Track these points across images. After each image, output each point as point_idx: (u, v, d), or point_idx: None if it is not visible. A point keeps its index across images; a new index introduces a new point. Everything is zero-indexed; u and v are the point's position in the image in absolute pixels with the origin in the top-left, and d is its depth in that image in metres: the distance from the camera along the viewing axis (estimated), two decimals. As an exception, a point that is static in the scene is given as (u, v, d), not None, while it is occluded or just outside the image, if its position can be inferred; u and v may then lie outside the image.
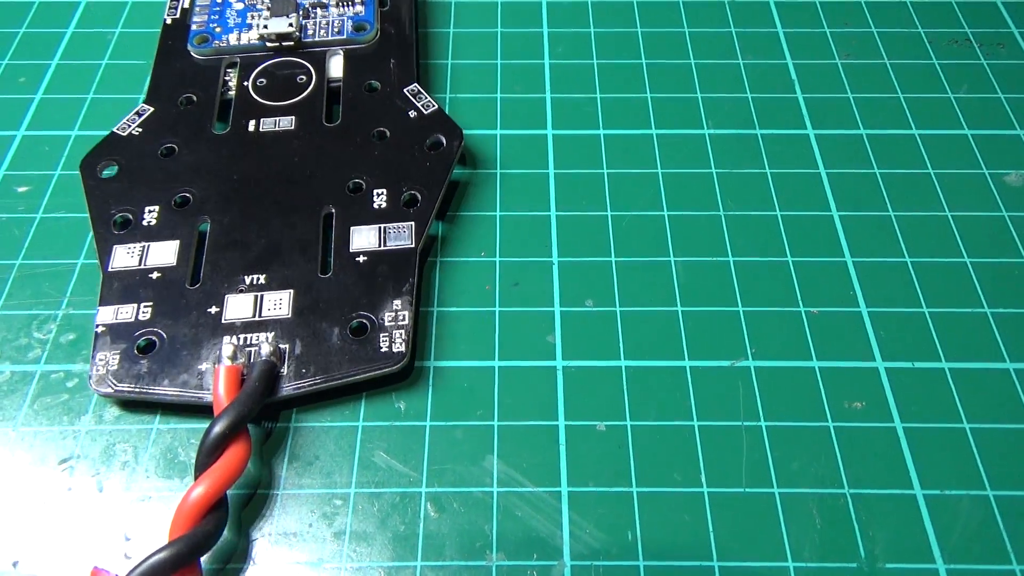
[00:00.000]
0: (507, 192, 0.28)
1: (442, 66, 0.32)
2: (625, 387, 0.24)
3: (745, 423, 0.23)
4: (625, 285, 0.26)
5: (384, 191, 0.26)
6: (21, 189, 0.28)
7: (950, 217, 0.28)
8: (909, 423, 0.23)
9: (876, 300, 0.26)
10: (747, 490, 0.22)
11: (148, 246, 0.25)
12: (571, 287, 0.26)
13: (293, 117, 0.29)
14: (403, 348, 0.23)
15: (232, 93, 0.29)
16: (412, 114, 0.29)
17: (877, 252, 0.27)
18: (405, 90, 0.29)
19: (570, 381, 0.24)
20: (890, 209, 0.28)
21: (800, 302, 0.26)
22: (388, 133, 0.28)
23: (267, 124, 0.28)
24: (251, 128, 0.28)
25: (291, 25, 0.30)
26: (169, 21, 0.32)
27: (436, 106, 0.29)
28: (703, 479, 0.22)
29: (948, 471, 0.22)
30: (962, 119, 0.31)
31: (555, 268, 0.26)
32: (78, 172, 0.27)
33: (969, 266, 0.26)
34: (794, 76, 0.32)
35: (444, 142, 0.28)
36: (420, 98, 0.29)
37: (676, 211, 0.28)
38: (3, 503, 0.22)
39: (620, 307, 0.25)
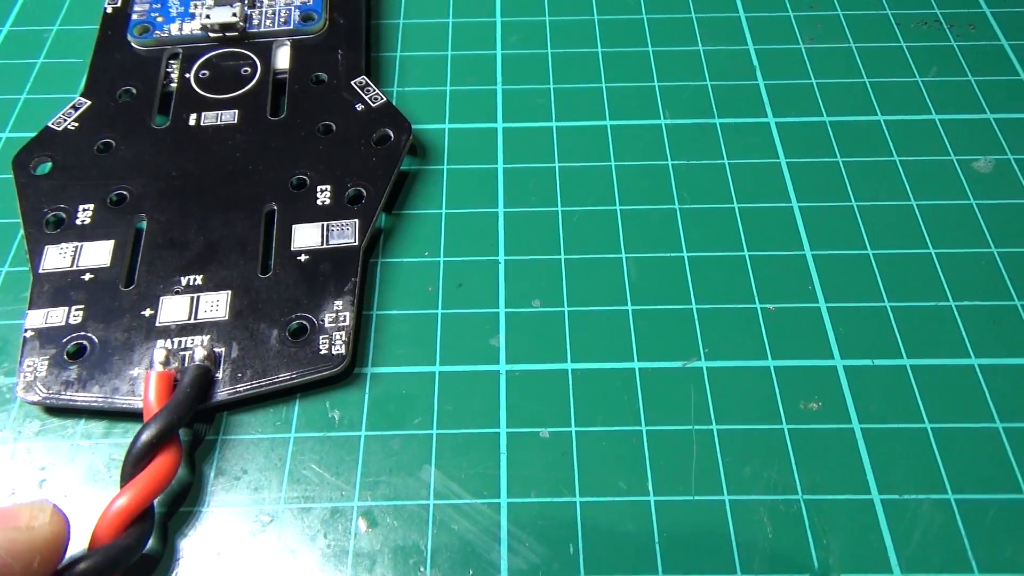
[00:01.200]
0: (454, 188, 0.27)
1: (390, 58, 0.31)
2: (571, 391, 0.23)
3: (696, 427, 0.22)
4: (574, 284, 0.25)
5: (328, 187, 0.26)
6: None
7: (915, 206, 0.27)
8: (867, 424, 0.22)
9: (836, 295, 0.24)
10: (696, 498, 0.21)
11: (81, 246, 0.24)
12: (517, 287, 0.25)
13: (236, 111, 0.28)
14: (343, 350, 0.22)
15: (174, 86, 0.28)
16: (359, 107, 0.27)
17: (838, 244, 0.26)
18: (353, 83, 0.28)
19: (513, 386, 0.23)
20: (852, 199, 0.27)
21: (756, 298, 0.24)
22: (334, 127, 0.27)
23: (209, 118, 0.27)
24: (192, 122, 0.27)
25: (235, 15, 0.29)
26: (110, 10, 0.31)
27: (384, 99, 0.28)
28: (650, 487, 0.21)
29: (907, 474, 0.21)
30: (930, 104, 0.29)
31: (501, 267, 0.25)
32: (9, 172, 0.26)
33: (934, 257, 0.25)
34: (755, 62, 0.31)
35: (392, 136, 0.27)
36: (368, 91, 0.28)
37: (629, 205, 0.27)
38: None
39: (568, 307, 0.24)
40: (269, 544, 0.20)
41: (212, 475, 0.21)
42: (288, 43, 0.29)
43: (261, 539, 0.20)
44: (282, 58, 0.29)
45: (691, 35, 0.32)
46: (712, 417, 0.22)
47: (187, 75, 0.28)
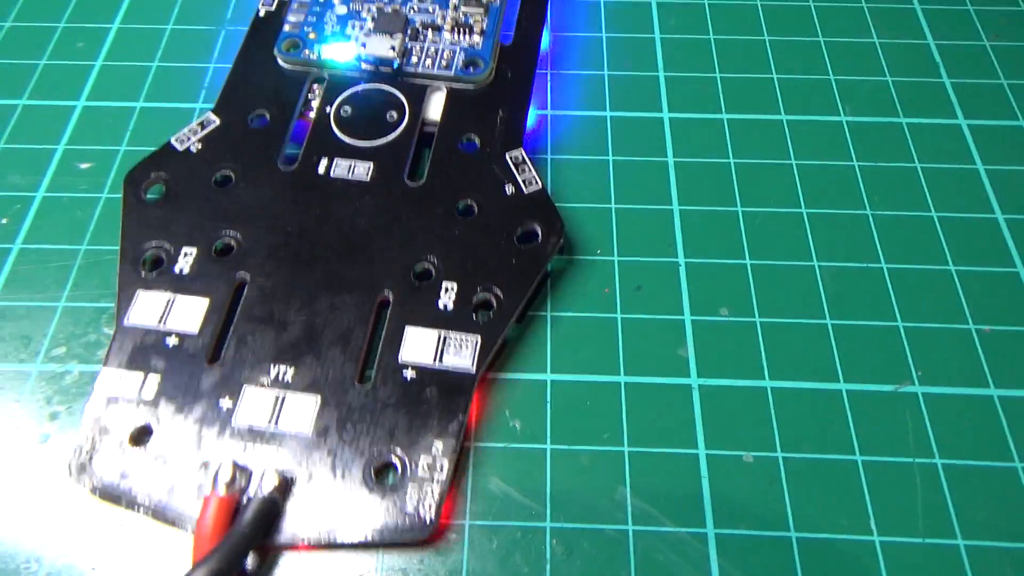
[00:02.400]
0: (622, 181, 0.25)
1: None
2: (773, 411, 0.21)
3: (917, 460, 0.20)
4: (763, 292, 0.23)
5: (455, 285, 0.21)
6: (84, 165, 0.25)
7: None
8: (1110, 466, 0.20)
9: (1058, 318, 0.22)
10: (926, 541, 0.19)
11: (174, 300, 0.21)
12: (701, 293, 0.23)
13: (371, 164, 0.24)
14: (431, 514, 0.18)
15: (312, 115, 0.25)
16: (509, 189, 0.23)
17: (1053, 262, 0.23)
18: (508, 155, 0.24)
19: (708, 402, 0.21)
20: (1063, 212, 0.24)
21: (969, 318, 0.22)
22: (476, 209, 0.23)
23: (340, 168, 0.24)
24: (321, 169, 0.24)
25: (393, 49, 0.25)
26: (263, 13, 0.27)
27: (539, 185, 0.23)
28: (872, 525, 0.19)
29: None
30: None
31: (682, 270, 0.23)
32: (139, 149, 0.24)
33: None
34: (938, 58, 0.28)
35: (539, 235, 0.22)
36: (523, 170, 0.24)
37: (815, 208, 0.24)
38: (68, 524, 0.19)
39: (759, 317, 0.22)
40: (457, 564, 0.18)
41: (386, 485, 0.19)
42: (444, 89, 0.25)
43: (450, 558, 0.18)
44: (435, 106, 0.25)
45: (864, 26, 0.29)
46: (934, 449, 0.20)
47: (328, 108, 0.25)
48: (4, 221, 0.24)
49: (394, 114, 0.25)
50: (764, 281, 0.23)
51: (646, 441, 0.20)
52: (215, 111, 0.25)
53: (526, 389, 0.21)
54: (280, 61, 0.26)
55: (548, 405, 0.21)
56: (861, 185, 0.25)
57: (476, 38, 0.26)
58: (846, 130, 0.26)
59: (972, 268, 0.23)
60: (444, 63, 0.26)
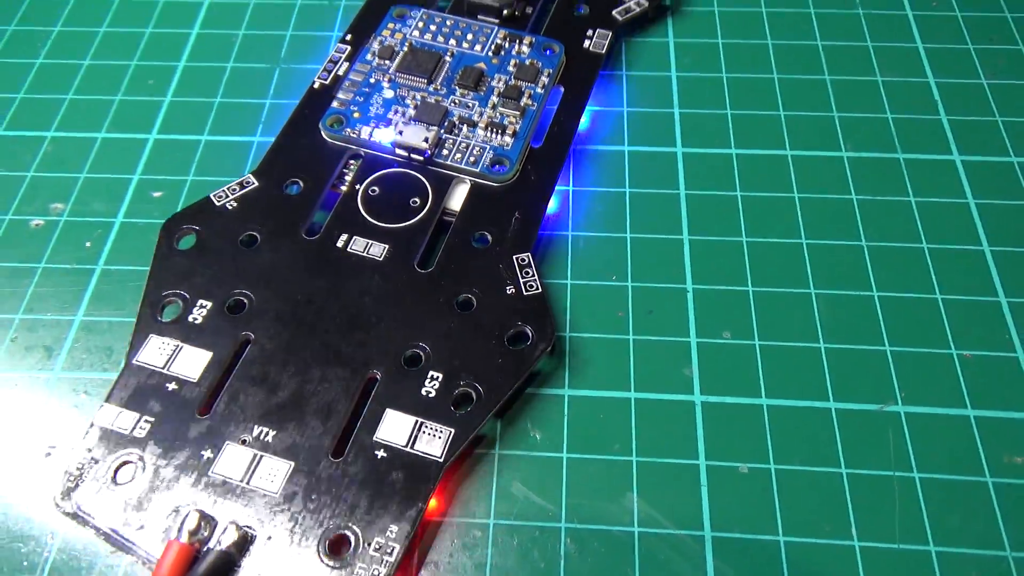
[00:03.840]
0: (638, 212, 0.27)
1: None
2: (767, 427, 0.23)
3: (897, 473, 0.22)
4: (764, 317, 0.25)
5: (440, 376, 0.23)
6: (156, 194, 0.28)
7: (1112, 257, 0.26)
8: (1075, 482, 0.22)
9: (1035, 346, 0.24)
10: (901, 546, 0.21)
11: (181, 348, 0.23)
12: (707, 317, 0.25)
13: (387, 246, 0.25)
14: None
15: (344, 189, 0.26)
16: (510, 290, 0.24)
17: (1034, 293, 0.25)
18: (516, 257, 0.25)
19: (710, 418, 0.23)
20: (1047, 246, 0.26)
21: (951, 344, 0.24)
22: (475, 303, 0.24)
23: (357, 244, 0.25)
24: (340, 243, 0.25)
25: (426, 140, 0.27)
26: (317, 86, 0.29)
27: (540, 290, 0.24)
28: (853, 531, 0.21)
29: (1119, 538, 0.21)
30: (1122, 148, 0.29)
31: (689, 296, 0.26)
32: (204, 179, 0.27)
33: None
34: (937, 96, 0.30)
35: (530, 338, 0.23)
36: (527, 274, 0.25)
37: (815, 239, 0.27)
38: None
39: (759, 340, 0.25)
40: (482, 559, 0.21)
41: (422, 486, 0.22)
42: (468, 183, 0.27)
43: (475, 553, 0.21)
44: (457, 197, 0.26)
45: (868, 65, 0.31)
46: (913, 464, 0.22)
47: (358, 185, 0.26)
48: (88, 244, 0.27)
49: (417, 200, 0.26)
50: (765, 307, 0.25)
51: (652, 452, 0.23)
52: (255, 173, 0.27)
53: (546, 403, 0.24)
54: (323, 134, 0.28)
55: (565, 418, 0.23)
56: (858, 217, 0.27)
57: (507, 139, 0.27)
58: (846, 165, 0.28)
59: (957, 297, 0.25)
60: (472, 158, 0.27)
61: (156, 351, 0.23)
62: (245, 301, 0.24)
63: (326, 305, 0.24)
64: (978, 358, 0.24)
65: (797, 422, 0.23)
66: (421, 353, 0.23)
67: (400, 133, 0.27)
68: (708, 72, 0.31)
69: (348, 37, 0.31)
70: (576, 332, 0.25)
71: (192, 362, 0.23)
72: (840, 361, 0.24)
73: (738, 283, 0.26)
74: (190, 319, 0.24)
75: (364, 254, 0.25)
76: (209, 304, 0.24)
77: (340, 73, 0.29)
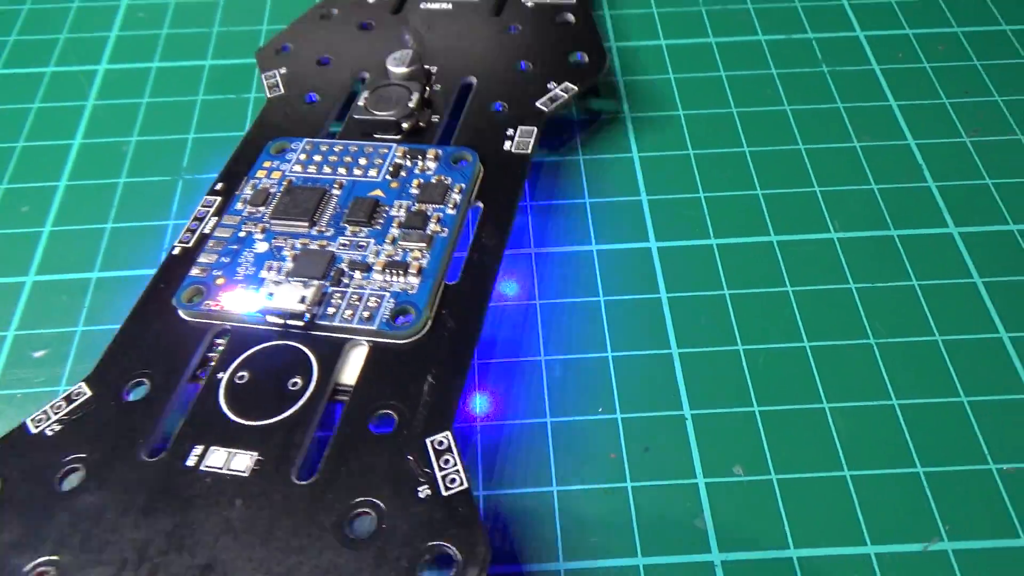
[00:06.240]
0: (614, 322, 0.24)
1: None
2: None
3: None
4: (776, 444, 0.22)
5: None
6: (38, 354, 0.23)
7: None
8: None
9: (1079, 450, 0.21)
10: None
11: None
12: (712, 449, 0.22)
13: (256, 455, 0.18)
14: None
15: (202, 384, 0.20)
16: (424, 491, 0.17)
17: (1065, 384, 0.23)
18: (429, 442, 0.18)
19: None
20: (1067, 326, 0.24)
21: (989, 457, 0.21)
22: (376, 521, 0.17)
23: (215, 457, 0.18)
24: (192, 460, 0.18)
25: (303, 300, 0.20)
26: (177, 251, 0.22)
27: (464, 483, 0.17)
28: None
29: None
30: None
31: (688, 424, 0.22)
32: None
33: None
34: (920, 161, 0.28)
35: (454, 563, 0.16)
36: (446, 463, 0.18)
37: (819, 341, 0.23)
38: None
39: (776, 474, 0.21)
40: None
41: None
42: (365, 345, 0.20)
43: None
44: (351, 368, 0.20)
45: (843, 129, 0.29)
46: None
47: (220, 375, 0.20)
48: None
49: (298, 382, 0.20)
50: (775, 430, 0.22)
51: (673, 635, 0.19)
52: (89, 380, 0.20)
53: (539, 583, 0.20)
54: (180, 313, 0.21)
55: None
56: (860, 309, 0.24)
57: (412, 280, 0.21)
58: (838, 248, 0.26)
59: (987, 398, 0.22)
60: (367, 312, 0.20)
61: None
62: (51, 572, 0.17)
63: (165, 562, 0.17)
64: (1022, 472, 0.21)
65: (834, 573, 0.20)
66: None
67: (271, 295, 0.21)
68: (672, 151, 0.28)
69: (219, 186, 0.24)
70: (564, 485, 0.21)
71: None
72: (873, 492, 0.21)
73: (742, 404, 0.22)
74: None
75: (223, 470, 0.18)
76: None
77: (208, 231, 0.23)
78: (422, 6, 0.29)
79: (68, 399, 0.19)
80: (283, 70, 0.27)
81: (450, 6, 0.29)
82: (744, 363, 0.23)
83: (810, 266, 0.25)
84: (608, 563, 0.20)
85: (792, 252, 0.25)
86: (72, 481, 0.18)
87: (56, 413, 0.19)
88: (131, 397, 0.20)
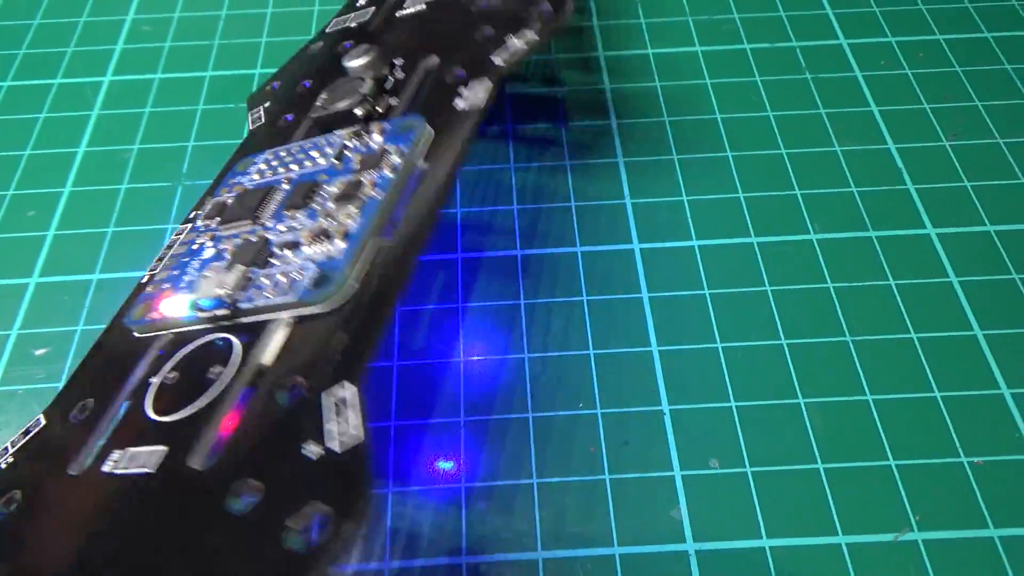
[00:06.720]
0: (597, 321, 0.25)
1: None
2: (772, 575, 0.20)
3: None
4: (752, 438, 0.22)
5: None
6: (39, 352, 0.24)
7: (1110, 330, 0.24)
8: (1120, 608, 0.19)
9: (1049, 444, 0.22)
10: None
11: None
12: (689, 443, 0.22)
13: (164, 449, 0.17)
14: None
15: (151, 394, 0.19)
16: (311, 450, 0.15)
17: (1035, 380, 0.23)
18: (327, 394, 0.16)
19: (706, 570, 0.20)
20: (1040, 324, 0.24)
21: (960, 451, 0.22)
22: (256, 496, 0.15)
23: (127, 460, 0.17)
24: (108, 466, 0.17)
25: (222, 288, 0.19)
26: (146, 279, 0.22)
27: (360, 436, 0.15)
28: None
29: None
30: (1097, 206, 0.27)
31: (667, 419, 0.23)
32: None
33: None
34: (900, 164, 0.28)
35: (324, 525, 0.14)
36: (344, 419, 0.15)
37: (795, 339, 0.24)
38: None
39: (751, 467, 0.22)
40: None
41: None
42: (290, 324, 0.19)
43: None
44: (272, 348, 0.18)
45: (824, 134, 0.29)
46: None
47: (152, 379, 0.19)
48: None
49: (218, 369, 0.19)
50: (751, 425, 0.22)
51: (647, 621, 0.19)
52: (46, 411, 0.20)
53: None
54: (133, 332, 0.20)
55: (542, 588, 0.20)
56: (838, 308, 0.25)
57: (339, 244, 0.19)
58: (816, 249, 0.26)
59: (958, 393, 0.23)
60: (287, 285, 0.19)
61: None
62: None
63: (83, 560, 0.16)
64: (991, 464, 0.22)
65: (806, 567, 0.20)
66: None
67: (195, 290, 0.20)
68: (656, 155, 0.29)
69: (193, 215, 0.23)
70: (544, 477, 0.22)
71: None
72: (844, 485, 0.21)
73: (719, 400, 0.23)
74: None
75: (130, 471, 0.17)
76: None
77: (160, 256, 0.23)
78: (397, 14, 0.28)
79: (26, 432, 0.19)
80: (267, 104, 0.27)
81: (424, 7, 0.28)
82: (723, 360, 0.24)
83: (789, 266, 0.26)
84: (585, 552, 0.20)
85: (772, 253, 0.26)
86: (11, 510, 0.18)
87: (13, 447, 0.19)
88: (76, 420, 0.19)
